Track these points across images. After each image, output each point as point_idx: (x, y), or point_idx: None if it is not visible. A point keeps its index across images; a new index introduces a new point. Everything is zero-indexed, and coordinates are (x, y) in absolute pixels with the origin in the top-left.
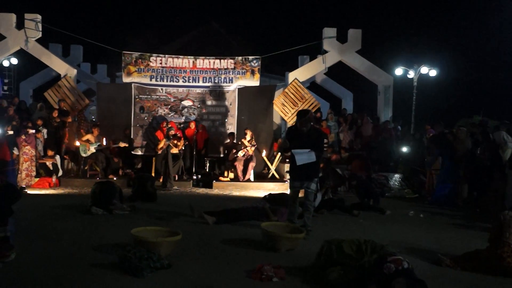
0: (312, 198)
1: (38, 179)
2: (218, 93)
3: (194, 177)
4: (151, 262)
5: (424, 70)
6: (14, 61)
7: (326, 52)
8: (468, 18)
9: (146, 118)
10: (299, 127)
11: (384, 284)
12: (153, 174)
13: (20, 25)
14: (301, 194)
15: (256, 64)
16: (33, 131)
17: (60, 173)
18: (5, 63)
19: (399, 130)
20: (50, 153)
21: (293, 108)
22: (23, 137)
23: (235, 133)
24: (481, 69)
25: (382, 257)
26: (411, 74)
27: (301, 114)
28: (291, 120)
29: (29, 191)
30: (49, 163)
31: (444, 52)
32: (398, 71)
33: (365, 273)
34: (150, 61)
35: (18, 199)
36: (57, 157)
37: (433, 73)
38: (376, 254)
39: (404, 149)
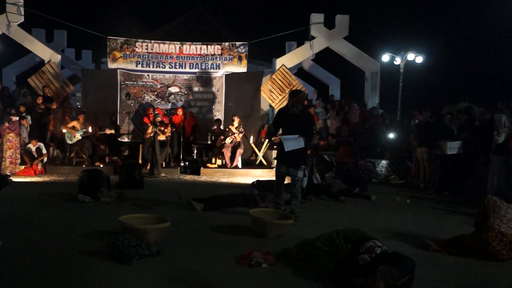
0: (299, 186)
1: (23, 166)
2: (205, 79)
3: (182, 164)
4: (139, 249)
5: (410, 56)
6: None
7: (313, 38)
8: (454, 5)
9: (132, 104)
10: (290, 108)
11: (367, 275)
12: (140, 161)
13: (1, 9)
14: (288, 180)
15: (243, 50)
16: (17, 118)
17: (45, 159)
18: None
19: (387, 118)
20: (34, 143)
21: (280, 95)
22: (7, 124)
23: (222, 119)
24: (466, 55)
25: (354, 248)
26: (398, 61)
27: (293, 94)
28: (278, 107)
29: (14, 179)
30: (33, 148)
31: (431, 38)
32: (385, 58)
33: (346, 265)
34: (136, 47)
35: (4, 186)
36: (41, 144)
37: (419, 59)
38: (349, 243)
39: (391, 136)
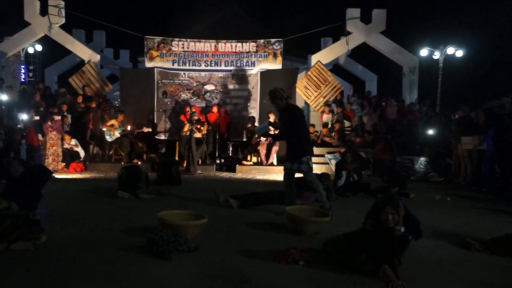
0: (309, 178)
1: (64, 164)
2: (240, 76)
3: (218, 161)
4: (178, 245)
5: (450, 50)
6: (39, 47)
7: (349, 33)
8: None
9: (169, 102)
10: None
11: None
12: (176, 159)
13: (44, 11)
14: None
15: (278, 47)
16: (59, 117)
17: (82, 154)
18: (30, 50)
19: (425, 112)
20: (67, 138)
21: (316, 91)
22: (49, 123)
23: (257, 117)
24: (509, 49)
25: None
26: (437, 55)
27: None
28: (314, 103)
29: (56, 176)
30: (73, 143)
31: (471, 32)
32: (424, 52)
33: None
34: (172, 46)
35: (49, 178)
36: (73, 141)
37: (459, 53)
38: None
39: (430, 132)
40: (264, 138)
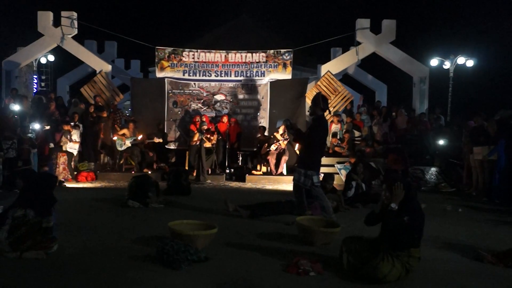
0: (316, 194)
1: (75, 173)
2: (250, 87)
3: (227, 170)
4: (188, 255)
5: (461, 60)
6: (51, 58)
7: (359, 43)
8: (507, 6)
9: (179, 112)
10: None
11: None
12: (186, 168)
13: (56, 22)
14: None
15: (288, 57)
16: (71, 124)
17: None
18: (43, 60)
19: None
20: (67, 127)
21: None
22: (65, 127)
23: (267, 126)
24: None
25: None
26: (447, 65)
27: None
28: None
29: (67, 185)
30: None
31: (482, 41)
32: (434, 62)
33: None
34: (183, 56)
35: (55, 182)
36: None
37: (470, 63)
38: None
39: (441, 142)
40: (274, 148)
